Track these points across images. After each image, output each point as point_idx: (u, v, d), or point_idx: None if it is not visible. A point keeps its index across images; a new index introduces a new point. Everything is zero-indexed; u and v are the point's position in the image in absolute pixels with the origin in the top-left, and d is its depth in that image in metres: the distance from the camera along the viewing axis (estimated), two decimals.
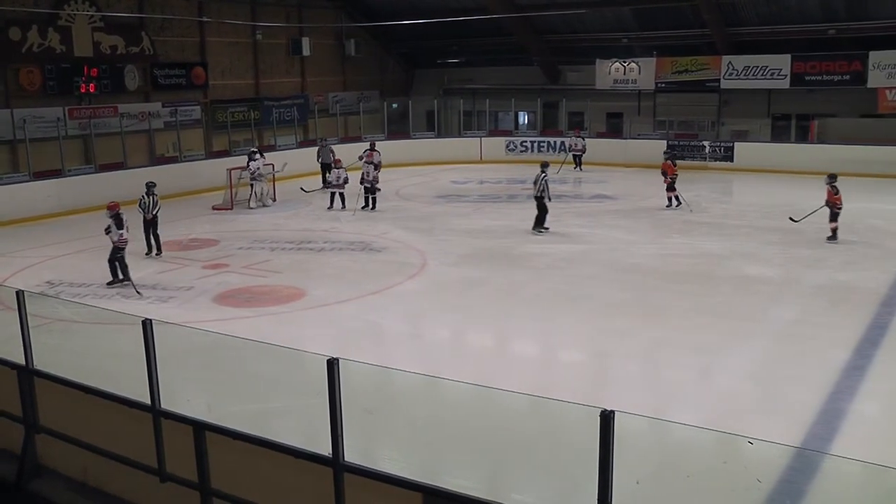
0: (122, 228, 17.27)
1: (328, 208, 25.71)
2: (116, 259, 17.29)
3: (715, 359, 12.96)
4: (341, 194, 25.74)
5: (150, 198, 20.13)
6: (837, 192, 20.24)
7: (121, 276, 17.24)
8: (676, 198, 24.68)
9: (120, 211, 17.51)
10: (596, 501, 6.05)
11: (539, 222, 21.90)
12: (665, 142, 33.85)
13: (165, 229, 22.54)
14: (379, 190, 25.85)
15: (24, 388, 9.99)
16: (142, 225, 20.00)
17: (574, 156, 33.72)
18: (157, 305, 15.87)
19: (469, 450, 7.84)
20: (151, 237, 20.17)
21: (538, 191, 21.84)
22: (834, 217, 20.23)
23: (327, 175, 29.54)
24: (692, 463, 7.06)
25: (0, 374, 10.19)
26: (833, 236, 20.17)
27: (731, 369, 12.60)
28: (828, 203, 20.35)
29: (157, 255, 20.06)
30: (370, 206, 25.61)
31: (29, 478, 10.03)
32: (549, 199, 21.96)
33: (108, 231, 17.31)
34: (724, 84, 34.54)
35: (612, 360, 13.10)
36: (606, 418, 5.89)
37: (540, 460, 7.48)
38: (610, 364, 12.94)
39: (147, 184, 20.56)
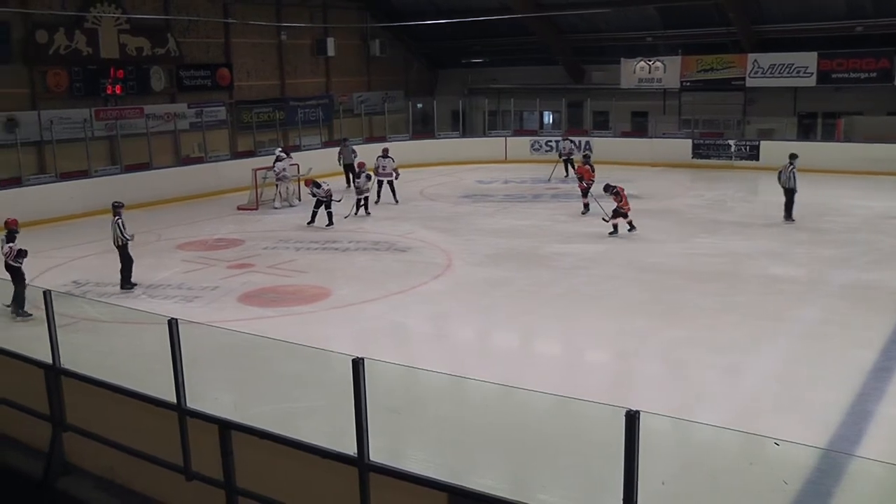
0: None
1: (354, 214, 24.70)
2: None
3: (740, 359, 12.89)
4: (366, 198, 25.03)
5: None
6: (622, 200, 21.10)
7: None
8: (587, 205, 24.19)
9: None
10: (621, 502, 6.03)
11: (788, 212, 22.47)
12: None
13: (190, 229, 22.66)
14: (337, 200, 23.93)
15: (51, 387, 10.08)
16: (119, 258, 17.37)
17: (565, 161, 31.85)
18: (183, 305, 15.95)
19: (494, 449, 7.84)
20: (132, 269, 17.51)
21: (787, 182, 22.36)
22: (617, 215, 21.15)
23: (351, 176, 29.54)
24: (717, 464, 7.03)
25: (28, 373, 10.29)
26: (615, 231, 21.27)
27: (756, 369, 12.53)
28: (618, 209, 21.17)
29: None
30: (328, 220, 23.63)
31: (56, 475, 10.12)
32: (797, 191, 22.43)
33: (10, 252, 15.26)
34: (750, 82, 34.29)
35: (637, 359, 13.06)
36: (632, 418, 5.88)
37: (565, 460, 7.47)
38: (634, 364, 12.91)
39: (116, 204, 17.60)
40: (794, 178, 22.29)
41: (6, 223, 15.98)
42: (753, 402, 11.30)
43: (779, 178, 22.56)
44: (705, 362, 12.68)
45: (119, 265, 17.39)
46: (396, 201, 26.52)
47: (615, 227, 21.20)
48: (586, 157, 25.79)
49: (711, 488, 6.88)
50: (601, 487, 6.83)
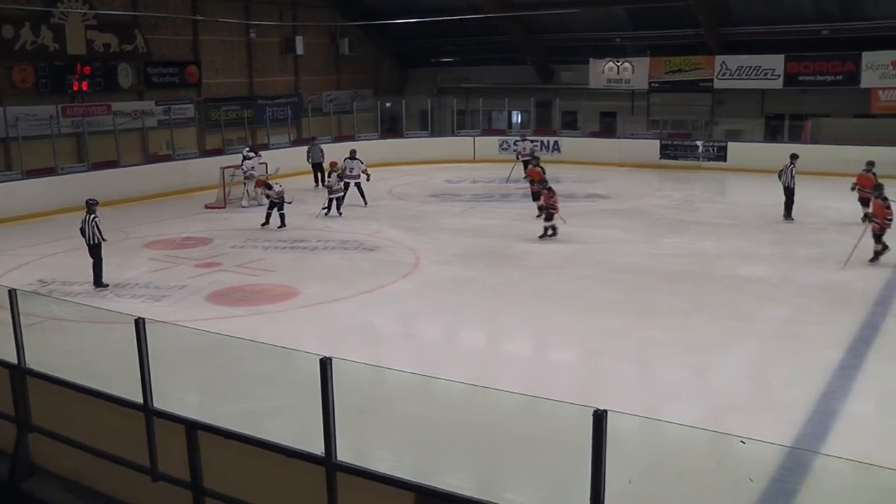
0: None
1: (325, 213, 24.66)
2: None
3: (708, 358, 12.97)
4: (339, 199, 24.84)
5: None
6: (553, 197, 21.17)
7: None
8: (542, 207, 22.51)
9: None
10: (588, 500, 6.05)
11: (788, 211, 22.84)
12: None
13: (158, 228, 22.48)
14: (288, 202, 23.53)
15: (16, 387, 9.96)
16: (92, 256, 17.32)
17: (524, 162, 30.18)
18: (150, 304, 15.84)
19: (462, 449, 7.84)
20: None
21: (787, 181, 22.80)
22: (549, 216, 21.18)
23: (319, 175, 29.47)
24: (685, 462, 7.07)
25: None
26: (545, 234, 21.08)
27: (724, 369, 12.61)
28: (547, 206, 21.23)
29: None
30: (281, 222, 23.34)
31: (22, 477, 10.00)
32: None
33: None
34: (718, 84, 34.55)
35: (606, 359, 13.09)
36: (599, 417, 5.89)
37: (533, 459, 7.48)
38: (603, 363, 12.94)
39: (90, 202, 17.55)
40: (793, 177, 22.72)
41: None
42: (723, 401, 11.37)
43: (779, 177, 23.00)
44: (675, 362, 12.75)
45: (92, 264, 17.30)
46: (365, 203, 26.02)
47: (545, 230, 21.06)
48: (535, 158, 25.72)
49: (678, 487, 6.91)
50: (569, 487, 6.84)
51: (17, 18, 27.29)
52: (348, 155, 26.70)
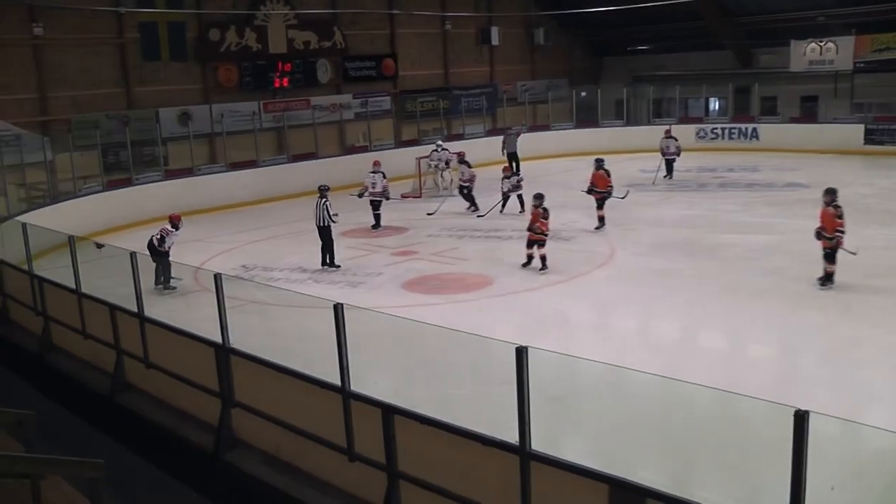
0: None
1: (500, 211, 23.44)
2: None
3: None
4: (519, 196, 23.38)
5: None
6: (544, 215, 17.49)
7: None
8: (602, 218, 21.28)
9: None
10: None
11: None
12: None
13: (355, 216, 22.89)
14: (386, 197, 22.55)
15: (220, 365, 10.46)
16: (321, 238, 18.43)
17: (667, 161, 28.80)
18: (347, 290, 16.29)
19: (655, 443, 7.72)
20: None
21: None
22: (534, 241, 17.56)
23: (514, 165, 29.40)
24: (891, 471, 6.73)
25: (199, 351, 10.71)
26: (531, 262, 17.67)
27: None
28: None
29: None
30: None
31: (225, 449, 10.50)
32: None
33: (166, 244, 16.77)
34: None
35: (803, 356, 12.63)
36: (801, 419, 5.64)
37: (727, 457, 7.31)
38: (800, 360, 12.49)
39: (322, 187, 18.88)
40: None
41: (170, 218, 17.26)
42: None
43: None
44: (879, 362, 12.09)
45: (321, 245, 18.34)
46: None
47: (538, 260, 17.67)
48: (599, 161, 22.17)
49: (886, 498, 6.59)
50: (765, 488, 6.63)
51: (223, 22, 28.77)
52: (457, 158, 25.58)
